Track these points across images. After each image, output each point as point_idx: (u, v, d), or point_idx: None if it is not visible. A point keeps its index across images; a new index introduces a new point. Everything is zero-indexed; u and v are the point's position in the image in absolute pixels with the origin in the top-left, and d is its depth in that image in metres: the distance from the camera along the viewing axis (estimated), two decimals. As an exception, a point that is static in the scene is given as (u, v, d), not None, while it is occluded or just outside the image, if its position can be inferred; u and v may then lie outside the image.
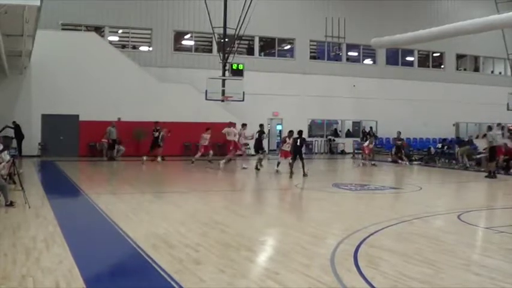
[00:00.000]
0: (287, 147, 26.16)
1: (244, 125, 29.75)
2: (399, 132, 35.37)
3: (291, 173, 24.28)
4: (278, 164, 26.39)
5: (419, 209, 15.52)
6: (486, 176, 25.21)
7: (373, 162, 32.60)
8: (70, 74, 34.01)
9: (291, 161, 25.05)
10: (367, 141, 34.66)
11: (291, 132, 26.09)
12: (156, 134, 31.74)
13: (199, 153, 31.20)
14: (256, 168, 27.09)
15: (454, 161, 32.27)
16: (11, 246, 9.81)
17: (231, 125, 30.31)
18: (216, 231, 11.79)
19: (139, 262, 9.22)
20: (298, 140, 25.18)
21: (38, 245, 9.88)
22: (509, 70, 46.41)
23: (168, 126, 32.38)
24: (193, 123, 35.48)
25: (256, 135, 28.33)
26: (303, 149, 26.38)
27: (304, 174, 24.46)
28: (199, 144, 31.56)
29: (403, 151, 34.87)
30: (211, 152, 31.53)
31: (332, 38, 43.30)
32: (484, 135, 32.65)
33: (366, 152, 33.08)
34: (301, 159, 25.13)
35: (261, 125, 29.10)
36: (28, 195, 14.66)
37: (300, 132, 25.67)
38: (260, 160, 27.58)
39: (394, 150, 35.52)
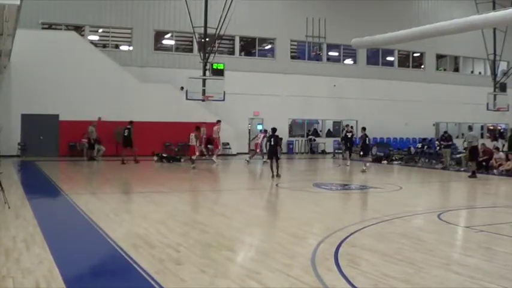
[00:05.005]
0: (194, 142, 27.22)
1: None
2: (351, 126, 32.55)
3: (272, 174, 23.56)
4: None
5: (400, 208, 15.59)
6: (470, 176, 25.31)
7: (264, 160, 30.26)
8: (50, 73, 33.78)
9: (268, 161, 24.50)
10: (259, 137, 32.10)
11: (198, 129, 26.84)
12: (126, 132, 30.90)
13: (218, 149, 32.79)
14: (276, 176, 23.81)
15: (439, 162, 32.10)
16: (-10, 246, 9.74)
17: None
18: (196, 231, 11.77)
19: (119, 262, 9.18)
20: (272, 139, 23.96)
21: (18, 246, 9.81)
22: (488, 70, 46.64)
23: (149, 125, 32.33)
24: (174, 122, 35.46)
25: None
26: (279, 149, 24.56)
27: (277, 175, 23.41)
28: (213, 139, 32.89)
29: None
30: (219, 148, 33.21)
31: (313, 38, 43.45)
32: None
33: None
34: (276, 159, 23.64)
35: (274, 129, 24.70)
36: (8, 196, 14.53)
37: (274, 130, 24.38)
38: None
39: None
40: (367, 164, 28.82)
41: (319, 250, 9.79)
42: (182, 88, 35.84)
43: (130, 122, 31.14)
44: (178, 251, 9.65)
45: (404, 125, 46.22)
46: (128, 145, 30.60)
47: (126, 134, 30.76)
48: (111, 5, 37.97)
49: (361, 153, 29.01)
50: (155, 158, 32.22)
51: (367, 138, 28.93)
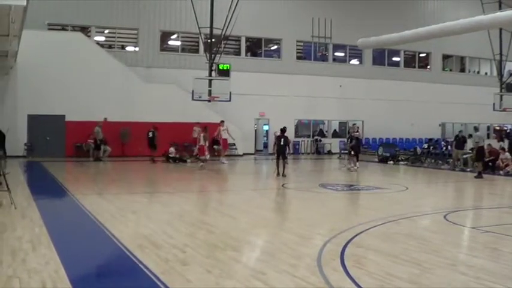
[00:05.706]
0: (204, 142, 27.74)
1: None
2: (357, 127, 32.24)
3: (277, 172, 23.95)
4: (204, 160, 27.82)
5: (406, 209, 15.56)
6: (476, 177, 25.23)
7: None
8: (56, 74, 33.83)
9: (275, 160, 24.66)
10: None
11: (205, 129, 28.33)
12: (151, 134, 31.96)
13: (225, 150, 34.12)
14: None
15: (446, 163, 31.99)
16: (-4, 247, 9.76)
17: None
18: (203, 232, 11.78)
19: (125, 263, 9.19)
20: (282, 139, 24.23)
21: (24, 246, 9.83)
22: (495, 71, 46.48)
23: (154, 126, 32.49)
24: (180, 123, 35.48)
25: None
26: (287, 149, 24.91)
27: (283, 174, 23.84)
28: (219, 139, 33.53)
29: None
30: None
31: (319, 38, 43.44)
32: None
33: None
34: (284, 159, 24.17)
35: (284, 129, 25.01)
36: (14, 196, 14.57)
37: (284, 130, 24.66)
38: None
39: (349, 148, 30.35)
40: (357, 164, 28.98)
41: (325, 250, 9.79)
42: (200, 97, 34.49)
43: (154, 126, 32.35)
44: (184, 252, 9.66)
45: (410, 126, 46.12)
46: (151, 146, 31.93)
47: (150, 136, 32.02)
48: (117, 5, 37.98)
49: (352, 152, 29.10)
50: (170, 151, 32.96)
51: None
